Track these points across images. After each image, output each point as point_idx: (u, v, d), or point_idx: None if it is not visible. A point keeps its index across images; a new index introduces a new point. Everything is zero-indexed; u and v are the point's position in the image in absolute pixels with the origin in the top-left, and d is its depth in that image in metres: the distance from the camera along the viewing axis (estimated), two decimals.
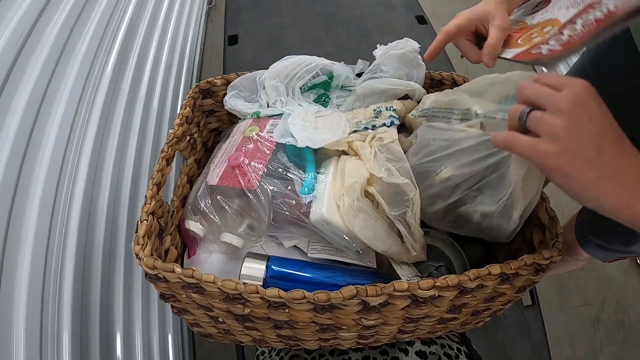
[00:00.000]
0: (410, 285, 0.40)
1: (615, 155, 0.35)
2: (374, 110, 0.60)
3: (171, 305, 0.54)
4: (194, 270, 0.43)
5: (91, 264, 0.78)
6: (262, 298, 0.42)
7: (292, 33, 1.13)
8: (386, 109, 0.61)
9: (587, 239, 0.74)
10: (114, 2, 1.03)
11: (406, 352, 0.62)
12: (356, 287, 0.40)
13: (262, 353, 0.74)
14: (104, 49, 0.92)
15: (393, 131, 0.57)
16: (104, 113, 0.87)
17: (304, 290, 0.41)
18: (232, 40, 1.12)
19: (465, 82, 0.63)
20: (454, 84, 0.65)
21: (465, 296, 0.45)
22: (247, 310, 0.45)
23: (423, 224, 0.53)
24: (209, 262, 0.57)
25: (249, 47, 1.07)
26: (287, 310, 0.44)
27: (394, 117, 0.60)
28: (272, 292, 0.41)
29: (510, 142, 0.38)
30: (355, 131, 0.58)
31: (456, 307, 0.48)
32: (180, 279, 0.44)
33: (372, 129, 0.58)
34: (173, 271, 0.43)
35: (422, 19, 1.33)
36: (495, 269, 0.42)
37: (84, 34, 0.87)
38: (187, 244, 0.60)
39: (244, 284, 0.42)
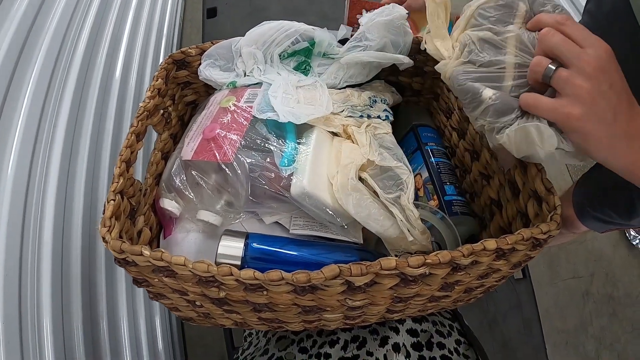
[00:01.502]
0: (399, 263, 0.35)
1: (628, 118, 0.36)
2: (369, 98, 0.57)
3: (147, 290, 0.49)
4: (163, 252, 0.38)
5: (70, 249, 0.72)
6: (237, 280, 0.37)
7: (274, 3, 1.06)
8: (381, 100, 0.58)
9: (586, 212, 0.70)
10: None
11: (397, 331, 0.58)
12: (339, 266, 0.35)
13: (250, 334, 0.70)
14: (75, 25, 0.84)
15: (387, 125, 0.55)
16: (77, 93, 0.79)
17: (282, 271, 0.36)
18: (211, 13, 1.05)
19: None
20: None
21: (459, 273, 0.40)
22: (222, 294, 0.40)
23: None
24: (186, 242, 0.52)
25: (228, 19, 1.00)
26: (265, 292, 0.38)
27: (389, 112, 0.57)
28: (247, 273, 0.36)
29: (531, 105, 0.38)
30: (350, 116, 0.55)
31: (448, 285, 0.43)
32: (150, 262, 0.39)
33: (367, 118, 0.55)
34: (141, 254, 0.38)
35: None
36: (491, 244, 0.37)
37: (53, 8, 0.80)
38: (163, 224, 0.55)
39: (218, 265, 0.37)
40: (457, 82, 0.43)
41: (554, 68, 0.37)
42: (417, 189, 0.59)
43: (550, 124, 0.38)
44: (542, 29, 0.39)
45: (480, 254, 0.38)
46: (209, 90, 0.63)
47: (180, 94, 0.63)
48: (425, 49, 0.49)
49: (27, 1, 0.72)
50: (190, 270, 0.38)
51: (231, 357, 0.80)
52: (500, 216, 0.54)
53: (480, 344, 0.61)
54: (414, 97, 0.70)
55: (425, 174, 0.58)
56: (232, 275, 0.36)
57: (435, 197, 0.57)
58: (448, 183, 0.58)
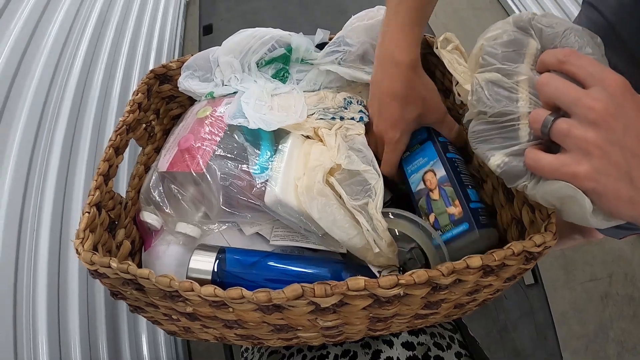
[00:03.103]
0: (368, 283, 0.31)
1: None
2: (344, 99, 0.53)
3: (126, 303, 0.47)
4: (129, 264, 0.36)
5: (67, 262, 0.71)
6: (199, 296, 0.34)
7: (268, 16, 1.06)
8: (357, 102, 0.53)
9: None
10: None
11: (391, 344, 0.53)
12: (302, 287, 0.31)
13: (246, 350, 0.67)
14: (72, 44, 0.84)
15: (361, 126, 0.50)
16: (74, 111, 0.79)
17: (243, 289, 0.32)
18: (207, 30, 1.05)
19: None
20: (427, 47, 0.54)
21: (441, 292, 0.35)
22: (189, 309, 0.37)
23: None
24: (166, 255, 0.49)
25: (224, 35, 0.98)
26: (231, 309, 0.35)
27: (364, 113, 0.52)
28: (208, 290, 0.33)
29: (532, 166, 0.31)
30: (322, 118, 0.51)
31: (432, 303, 0.38)
32: (117, 274, 0.37)
33: (340, 120, 0.51)
34: (109, 266, 0.36)
35: None
36: (476, 261, 0.32)
37: (52, 22, 0.79)
38: (144, 237, 0.52)
39: (189, 280, 0.34)
40: (471, 146, 0.37)
41: (552, 119, 0.30)
42: (429, 190, 0.48)
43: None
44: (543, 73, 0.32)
45: (463, 273, 0.33)
46: (193, 103, 0.60)
47: (165, 108, 0.60)
48: (460, 102, 0.43)
49: (25, 15, 0.72)
50: (154, 284, 0.35)
51: None
52: (495, 223, 0.49)
53: (485, 356, 0.55)
54: None
55: (441, 172, 0.47)
56: (193, 291, 0.33)
57: (457, 202, 0.45)
58: (470, 186, 0.47)
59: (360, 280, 0.31)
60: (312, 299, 0.31)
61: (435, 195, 0.47)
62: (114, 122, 0.90)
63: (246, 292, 0.32)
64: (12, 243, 0.61)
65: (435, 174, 0.47)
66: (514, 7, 2.13)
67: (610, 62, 0.37)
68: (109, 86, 0.94)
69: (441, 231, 0.45)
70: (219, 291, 0.33)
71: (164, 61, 1.34)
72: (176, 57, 1.59)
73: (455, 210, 0.44)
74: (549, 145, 0.32)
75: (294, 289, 0.31)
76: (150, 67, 1.25)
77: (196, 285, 0.34)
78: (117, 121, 0.90)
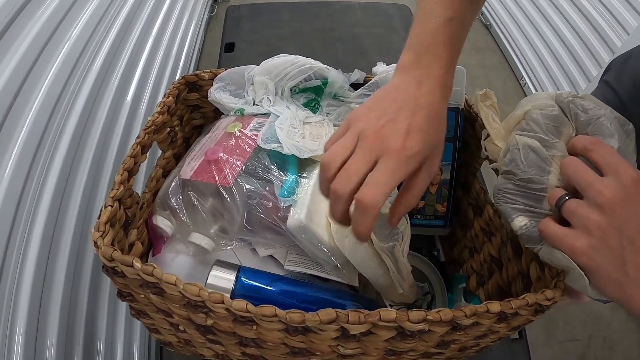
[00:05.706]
0: (399, 315, 0.33)
1: None
2: None
3: (129, 306, 0.46)
4: (154, 267, 0.35)
5: (55, 261, 0.69)
6: (227, 310, 0.34)
7: (290, 45, 1.10)
8: None
9: None
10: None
11: None
12: (336, 311, 0.33)
13: None
14: (93, 45, 0.85)
15: None
16: (87, 106, 0.79)
17: (276, 308, 0.33)
18: (228, 47, 1.08)
19: None
20: None
21: (458, 333, 0.38)
22: (210, 322, 0.38)
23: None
24: (174, 263, 0.50)
25: (244, 55, 1.01)
26: (255, 327, 0.36)
27: None
28: (240, 304, 0.33)
29: (542, 230, 0.36)
30: None
31: (445, 343, 0.40)
32: (139, 275, 0.36)
33: None
34: (132, 265, 0.36)
35: None
36: (495, 306, 0.36)
37: (73, 27, 0.80)
38: (153, 242, 0.53)
39: (209, 291, 0.35)
40: (495, 201, 0.41)
41: (566, 198, 0.34)
42: (430, 183, 0.53)
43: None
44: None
45: (482, 316, 0.36)
46: (217, 116, 0.63)
47: (189, 116, 0.62)
48: (487, 156, 0.45)
49: (50, 11, 0.73)
50: (180, 292, 0.35)
51: None
52: (500, 275, 0.53)
53: None
54: None
55: (447, 176, 0.53)
56: (223, 303, 0.34)
57: (445, 204, 0.54)
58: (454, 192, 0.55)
59: (392, 312, 0.33)
60: (344, 325, 0.33)
61: (432, 189, 0.55)
62: (123, 125, 0.91)
63: (279, 312, 0.33)
64: (5, 228, 0.59)
65: (441, 174, 0.53)
66: (521, 70, 2.25)
67: None
68: (124, 89, 0.95)
69: (422, 217, 0.57)
70: (251, 307, 0.33)
71: (179, 71, 1.35)
72: (192, 68, 1.60)
73: (441, 209, 0.55)
74: (565, 221, 0.35)
75: (328, 312, 0.33)
76: (167, 75, 1.28)
77: (227, 298, 0.34)
78: (126, 124, 0.92)
